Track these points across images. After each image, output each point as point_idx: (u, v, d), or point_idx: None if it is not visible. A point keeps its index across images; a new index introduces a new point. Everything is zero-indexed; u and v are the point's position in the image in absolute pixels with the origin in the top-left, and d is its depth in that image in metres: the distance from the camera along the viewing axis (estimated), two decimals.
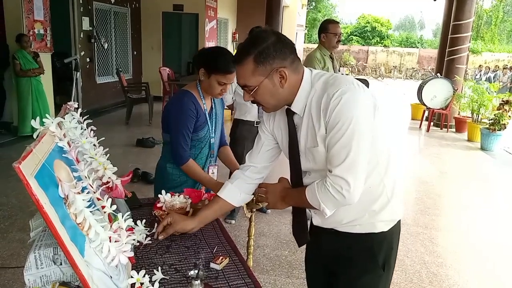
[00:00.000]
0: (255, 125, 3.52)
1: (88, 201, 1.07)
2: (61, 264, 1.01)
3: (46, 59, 6.48)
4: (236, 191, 1.56)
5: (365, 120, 1.23)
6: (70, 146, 1.22)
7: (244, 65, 1.27)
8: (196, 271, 1.29)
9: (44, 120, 1.16)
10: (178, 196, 1.87)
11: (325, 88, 1.27)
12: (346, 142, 1.21)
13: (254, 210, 2.07)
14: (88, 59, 8.24)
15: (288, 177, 1.49)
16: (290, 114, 1.37)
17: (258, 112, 3.48)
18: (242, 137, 3.56)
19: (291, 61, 1.29)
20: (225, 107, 2.60)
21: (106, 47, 8.71)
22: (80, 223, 1.03)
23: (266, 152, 1.52)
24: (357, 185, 1.23)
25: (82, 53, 8.02)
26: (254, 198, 1.63)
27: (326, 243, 1.49)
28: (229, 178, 1.64)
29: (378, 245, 1.42)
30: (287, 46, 1.29)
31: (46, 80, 6.45)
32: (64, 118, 1.34)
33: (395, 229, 1.45)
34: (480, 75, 16.17)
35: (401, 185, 1.48)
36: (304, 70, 1.34)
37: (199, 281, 1.25)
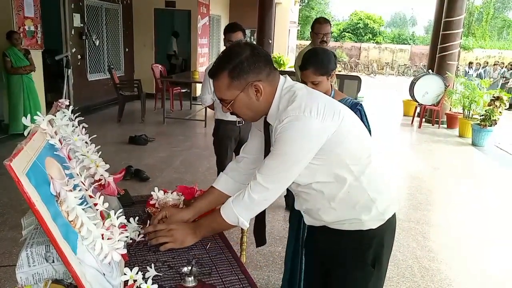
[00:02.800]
0: (237, 125, 3.52)
1: (80, 199, 1.07)
2: (53, 261, 1.01)
3: (37, 56, 6.41)
4: (231, 182, 1.58)
5: (301, 149, 1.27)
6: (61, 144, 1.21)
7: (219, 79, 1.30)
8: (189, 268, 1.30)
9: (35, 117, 1.16)
10: (171, 193, 1.87)
11: (284, 109, 1.30)
12: (277, 161, 1.29)
13: None
14: (79, 56, 8.17)
15: None
16: (266, 124, 1.42)
17: None
18: (224, 137, 3.55)
19: (267, 73, 1.32)
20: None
21: (97, 44, 8.65)
22: (72, 221, 1.02)
23: (259, 144, 1.54)
24: (273, 195, 1.34)
25: (73, 50, 7.95)
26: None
27: (320, 239, 1.51)
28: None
29: (367, 242, 1.43)
30: (261, 59, 1.32)
31: (37, 78, 6.38)
32: (55, 116, 1.34)
33: (387, 227, 1.45)
34: (471, 71, 16.27)
35: (389, 184, 1.49)
36: (279, 80, 1.37)
37: (192, 277, 1.26)
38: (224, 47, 3.55)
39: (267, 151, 1.43)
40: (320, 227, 1.48)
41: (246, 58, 1.28)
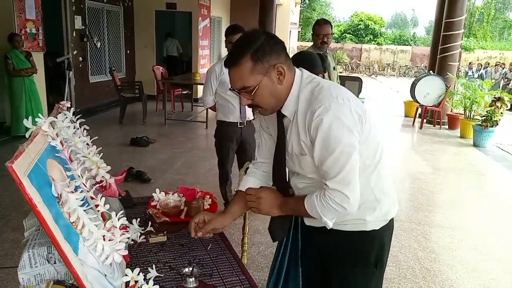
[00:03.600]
0: (238, 126, 3.53)
1: (82, 200, 1.08)
2: (55, 262, 1.02)
3: (38, 59, 6.43)
4: (258, 182, 1.55)
5: (350, 135, 1.22)
6: (63, 145, 1.22)
7: (241, 65, 1.24)
8: (191, 269, 1.30)
9: (36, 119, 1.16)
10: (172, 194, 1.88)
11: (310, 100, 1.27)
12: (336, 160, 1.22)
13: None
14: (80, 58, 8.20)
15: None
16: (280, 116, 1.37)
17: (240, 113, 3.49)
18: (226, 138, 3.57)
19: (285, 57, 1.29)
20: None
21: (99, 46, 8.67)
22: (73, 222, 1.03)
23: (272, 147, 1.51)
24: (355, 196, 1.25)
25: (75, 52, 7.98)
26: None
27: (318, 240, 1.49)
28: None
29: (369, 243, 1.43)
30: (279, 42, 1.30)
31: (39, 80, 6.40)
32: (56, 118, 1.34)
33: (387, 228, 1.46)
34: (472, 72, 16.26)
35: (391, 185, 1.49)
36: (296, 71, 1.34)
37: (193, 278, 1.26)
38: (226, 49, 3.56)
39: (280, 145, 1.39)
40: (320, 228, 1.43)
41: (265, 41, 1.25)
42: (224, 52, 13.11)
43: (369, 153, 1.34)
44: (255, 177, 1.57)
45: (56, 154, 1.17)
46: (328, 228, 1.33)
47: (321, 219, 1.31)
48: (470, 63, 17.89)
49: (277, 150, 1.42)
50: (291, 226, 1.54)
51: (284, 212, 1.43)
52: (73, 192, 1.05)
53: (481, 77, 14.29)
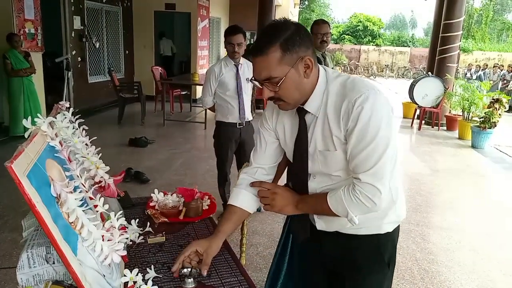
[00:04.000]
0: (237, 127, 3.54)
1: (81, 200, 1.08)
2: (53, 263, 1.02)
3: (37, 59, 6.43)
4: (251, 197, 1.45)
5: (389, 126, 1.20)
6: (62, 146, 1.22)
7: (269, 54, 1.18)
8: (189, 269, 1.30)
9: (35, 119, 1.16)
10: (171, 195, 1.88)
11: (343, 92, 1.22)
12: (374, 150, 1.17)
13: None
14: (79, 59, 8.19)
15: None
16: (302, 113, 1.31)
17: (239, 114, 3.50)
18: (225, 139, 3.58)
19: (312, 51, 1.24)
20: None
21: (97, 46, 8.67)
22: (72, 222, 1.03)
23: (273, 151, 1.46)
24: (386, 191, 1.20)
25: (74, 52, 7.97)
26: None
27: (328, 244, 1.43)
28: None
29: (384, 245, 1.40)
30: (309, 35, 1.24)
31: (38, 80, 6.40)
32: (55, 118, 1.34)
33: (398, 228, 1.45)
34: (471, 73, 16.30)
35: (402, 186, 1.47)
36: (319, 67, 1.29)
37: (192, 279, 1.26)
38: (225, 50, 3.56)
39: (299, 144, 1.33)
40: (331, 232, 1.39)
41: (296, 31, 1.20)
42: (223, 53, 13.12)
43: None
44: (250, 191, 1.45)
45: (55, 154, 1.17)
46: (354, 225, 1.28)
47: (347, 215, 1.24)
48: (469, 64, 17.92)
49: (298, 149, 1.35)
50: (308, 227, 1.46)
51: (300, 210, 1.37)
52: (72, 192, 1.05)
53: (479, 78, 14.32)
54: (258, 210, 3.96)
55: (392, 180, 1.26)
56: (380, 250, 1.40)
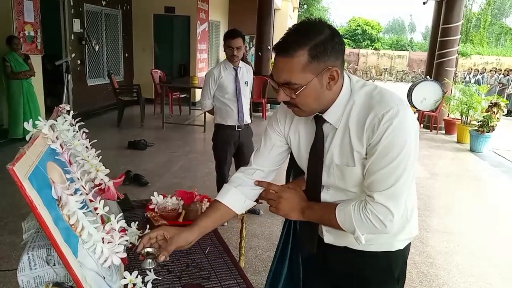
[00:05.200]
0: (236, 129, 3.56)
1: (81, 203, 1.08)
2: (54, 265, 1.02)
3: (36, 61, 6.44)
4: (241, 197, 1.35)
5: (415, 146, 1.11)
6: (62, 148, 1.22)
7: (294, 57, 1.07)
8: (152, 249, 1.25)
9: (36, 122, 1.17)
10: (170, 197, 1.89)
11: (370, 104, 1.12)
12: (394, 169, 1.09)
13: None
14: (79, 61, 8.20)
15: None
16: (320, 121, 1.21)
17: (238, 116, 3.51)
18: (224, 141, 3.59)
19: (342, 61, 1.13)
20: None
21: (97, 49, 8.68)
22: (73, 224, 1.04)
23: (277, 155, 1.37)
24: (400, 215, 1.13)
25: (73, 55, 7.98)
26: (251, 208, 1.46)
27: (335, 258, 1.35)
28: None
29: (395, 263, 1.32)
30: (343, 43, 1.13)
31: (37, 82, 6.40)
32: (56, 121, 1.35)
33: (409, 244, 1.37)
34: (469, 77, 16.38)
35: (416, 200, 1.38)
36: (344, 75, 1.19)
37: (151, 259, 1.23)
38: (224, 53, 3.58)
39: (314, 155, 1.24)
40: (339, 246, 1.31)
41: (329, 37, 1.08)
42: (222, 56, 13.14)
43: None
44: (241, 191, 1.35)
45: (56, 157, 1.18)
46: (360, 244, 1.18)
47: (354, 233, 1.16)
48: (469, 68, 18.00)
49: (312, 160, 1.26)
50: (316, 241, 1.37)
51: (305, 218, 1.28)
52: (72, 195, 1.06)
53: (477, 82, 14.38)
54: (257, 213, 3.97)
55: (409, 198, 1.20)
56: (391, 268, 1.32)
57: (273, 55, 1.14)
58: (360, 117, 1.13)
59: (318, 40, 1.07)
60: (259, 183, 1.36)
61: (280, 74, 1.11)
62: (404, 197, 1.13)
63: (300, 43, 1.06)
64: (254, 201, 1.40)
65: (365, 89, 1.17)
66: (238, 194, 1.34)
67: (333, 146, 1.20)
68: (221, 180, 3.74)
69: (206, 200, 1.90)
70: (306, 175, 1.30)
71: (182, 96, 9.28)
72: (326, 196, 1.28)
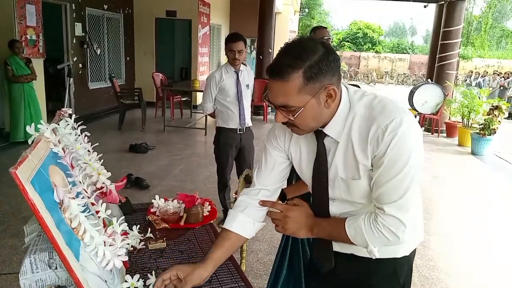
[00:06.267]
0: (238, 132, 3.56)
1: (83, 206, 1.09)
2: (56, 268, 1.02)
3: (38, 65, 6.46)
4: (249, 222, 1.33)
5: (420, 154, 1.10)
6: (65, 152, 1.23)
7: (289, 81, 1.05)
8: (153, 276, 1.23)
9: (38, 126, 1.18)
10: (172, 201, 1.89)
11: (371, 115, 1.11)
12: (403, 180, 1.08)
13: None
14: (80, 65, 8.23)
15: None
16: (321, 136, 1.19)
17: (240, 119, 3.52)
18: (226, 145, 3.60)
19: (338, 77, 1.11)
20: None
21: (99, 53, 8.71)
22: (75, 228, 1.04)
23: (279, 172, 1.34)
24: (411, 225, 1.12)
25: (75, 58, 8.01)
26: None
27: (342, 265, 1.33)
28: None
29: (401, 269, 1.31)
30: (337, 59, 1.10)
31: (39, 86, 6.42)
32: (58, 124, 1.35)
33: (415, 250, 1.36)
34: (470, 80, 16.39)
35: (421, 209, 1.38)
36: (341, 88, 1.16)
37: None
38: (226, 57, 3.59)
39: (318, 169, 1.22)
40: (346, 254, 1.30)
41: (323, 56, 1.06)
42: (223, 59, 13.17)
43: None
44: (248, 214, 1.32)
45: (58, 161, 1.19)
46: (374, 258, 1.17)
47: (367, 247, 1.16)
48: (469, 71, 18.01)
49: (316, 175, 1.24)
50: (333, 256, 1.34)
51: (314, 235, 1.26)
52: (74, 198, 1.06)
53: (479, 85, 14.39)
54: None
55: (416, 204, 1.19)
56: (396, 274, 1.31)
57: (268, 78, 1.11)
58: (362, 129, 1.11)
59: (312, 60, 1.05)
60: (263, 203, 1.33)
61: (276, 97, 1.09)
62: (414, 206, 1.12)
63: (294, 66, 1.04)
64: (263, 222, 1.37)
65: (364, 99, 1.15)
66: (245, 219, 1.32)
67: (336, 160, 1.18)
68: (222, 183, 3.75)
69: (208, 203, 1.91)
70: (311, 190, 1.29)
71: (183, 99, 9.30)
72: (332, 208, 1.26)
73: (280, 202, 1.32)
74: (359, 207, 1.21)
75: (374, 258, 1.17)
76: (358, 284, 1.33)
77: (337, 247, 1.30)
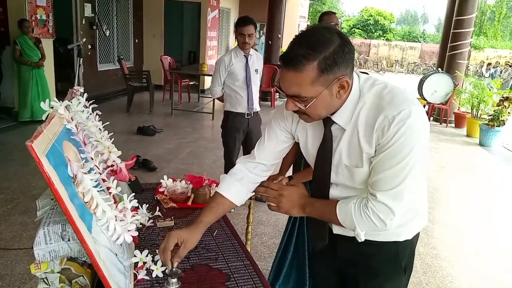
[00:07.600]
0: (246, 117, 3.57)
1: (95, 181, 1.11)
2: (69, 240, 1.06)
3: (48, 45, 6.48)
4: (243, 192, 1.38)
5: (424, 147, 1.11)
6: (77, 129, 1.25)
7: (303, 72, 1.04)
8: (171, 269, 1.22)
9: (52, 103, 1.20)
10: (180, 181, 1.92)
11: (380, 105, 1.11)
12: (401, 170, 1.09)
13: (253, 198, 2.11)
14: (89, 46, 8.23)
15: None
16: (329, 123, 1.19)
17: (248, 104, 3.53)
18: (233, 129, 3.61)
19: (351, 68, 1.11)
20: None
21: (107, 34, 8.70)
22: (87, 202, 1.07)
23: (281, 150, 1.38)
24: (401, 214, 1.14)
25: (84, 39, 7.99)
26: (257, 196, 1.47)
27: (344, 248, 1.36)
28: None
29: (402, 252, 1.33)
30: (352, 50, 1.09)
31: (48, 67, 6.45)
32: (71, 102, 1.38)
33: (418, 234, 1.37)
34: (482, 70, 16.19)
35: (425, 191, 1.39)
36: (353, 76, 1.16)
37: (176, 279, 1.21)
38: (235, 40, 3.58)
39: (322, 155, 1.24)
40: (348, 236, 1.30)
41: (339, 47, 1.05)
42: (232, 43, 13.10)
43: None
44: (243, 184, 1.37)
45: (71, 137, 1.21)
46: (360, 241, 1.20)
47: (354, 230, 1.18)
48: (482, 61, 17.77)
49: (320, 160, 1.26)
50: (327, 235, 1.38)
51: (306, 214, 1.30)
52: (87, 173, 1.09)
53: (491, 76, 14.21)
54: (264, 201, 4.00)
55: (420, 191, 1.23)
56: (398, 257, 1.32)
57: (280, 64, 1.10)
58: (369, 118, 1.12)
59: (327, 52, 1.03)
60: (261, 185, 1.37)
61: (289, 87, 1.09)
62: (408, 195, 1.12)
63: (309, 57, 1.03)
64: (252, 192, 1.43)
65: (374, 89, 1.15)
66: (240, 189, 1.37)
67: (341, 146, 1.19)
68: (229, 167, 3.75)
69: (215, 185, 1.93)
70: (313, 173, 1.31)
71: (191, 83, 9.29)
72: (335, 192, 1.29)
73: (275, 182, 1.35)
74: (359, 192, 1.23)
75: (359, 241, 1.19)
76: (360, 266, 1.35)
77: (339, 230, 1.31)
